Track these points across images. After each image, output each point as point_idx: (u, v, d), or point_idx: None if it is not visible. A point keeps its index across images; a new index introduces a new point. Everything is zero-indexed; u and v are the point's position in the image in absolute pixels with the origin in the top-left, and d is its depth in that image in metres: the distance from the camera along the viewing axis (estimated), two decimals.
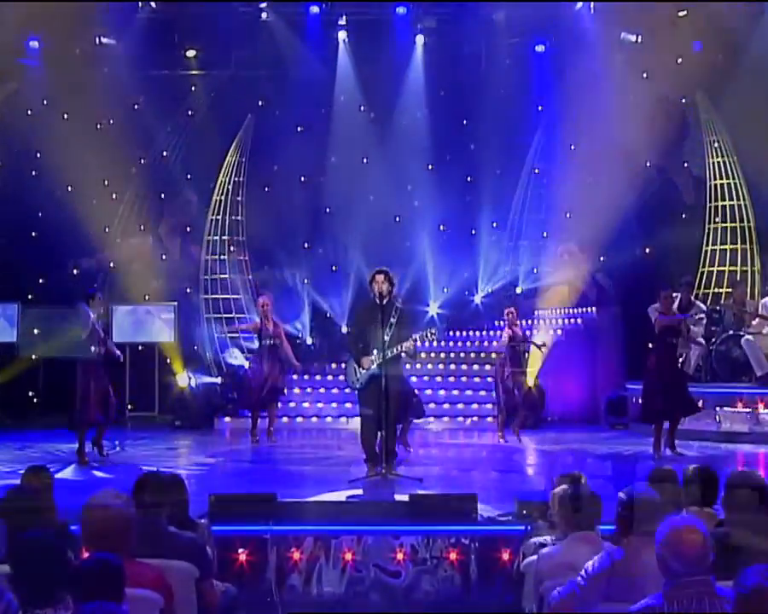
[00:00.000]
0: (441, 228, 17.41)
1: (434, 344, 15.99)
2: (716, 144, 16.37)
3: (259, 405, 12.98)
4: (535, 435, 13.35)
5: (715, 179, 16.40)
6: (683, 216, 16.40)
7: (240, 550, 6.82)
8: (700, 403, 11.98)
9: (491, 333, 16.40)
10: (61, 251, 15.81)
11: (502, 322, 14.01)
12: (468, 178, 17.32)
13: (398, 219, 17.41)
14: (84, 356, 10.82)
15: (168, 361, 15.99)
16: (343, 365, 15.33)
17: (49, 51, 16.10)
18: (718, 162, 16.40)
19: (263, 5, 16.39)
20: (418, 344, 9.80)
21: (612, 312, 15.87)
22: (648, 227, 16.13)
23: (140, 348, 16.47)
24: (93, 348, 10.77)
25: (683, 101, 16.53)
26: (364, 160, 17.21)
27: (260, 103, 17.05)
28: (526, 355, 13.15)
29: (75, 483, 9.47)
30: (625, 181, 16.22)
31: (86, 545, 4.09)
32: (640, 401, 11.91)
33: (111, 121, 16.62)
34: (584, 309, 16.38)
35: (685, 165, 16.53)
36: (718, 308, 14.40)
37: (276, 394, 13.04)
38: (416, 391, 12.18)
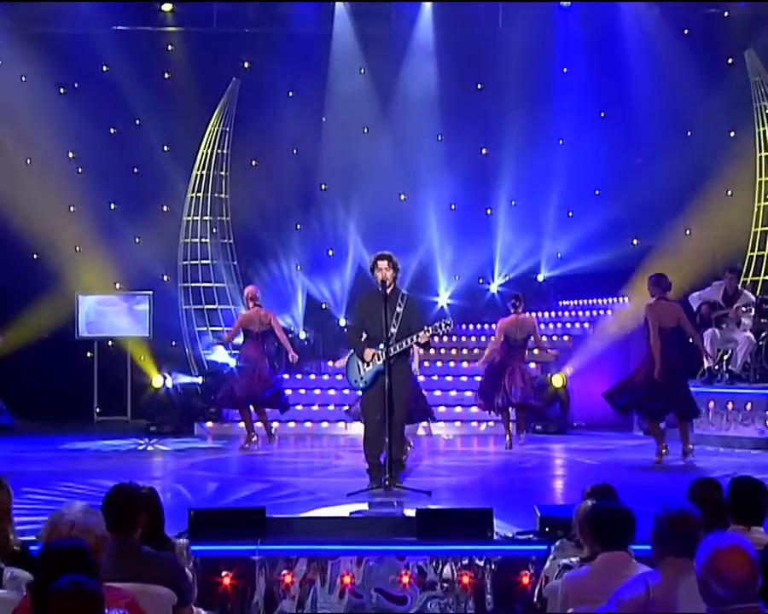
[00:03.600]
0: (452, 207, 17.41)
1: (444, 339, 16.00)
2: (767, 110, 16.34)
3: (251, 402, 12.86)
4: (560, 442, 13.37)
5: (765, 150, 16.38)
6: (729, 192, 16.38)
7: (224, 573, 6.83)
8: (748, 406, 11.97)
9: None
10: (20, 233, 15.80)
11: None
12: (483, 150, 17.32)
13: (403, 197, 17.42)
14: None
15: (142, 358, 16.01)
16: (343, 363, 15.40)
17: (4, 5, 16.08)
18: None
19: None
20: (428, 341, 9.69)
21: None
22: (688, 205, 16.10)
23: (109, 343, 16.50)
24: None
25: (730, 61, 16.50)
26: (365, 130, 17.20)
27: (246, 65, 17.05)
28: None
29: None
30: (661, 152, 16.22)
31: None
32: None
33: (76, 85, 16.63)
34: (615, 299, 16.39)
35: (731, 134, 16.51)
36: None
37: (266, 394, 12.93)
38: (424, 392, 12.18)
